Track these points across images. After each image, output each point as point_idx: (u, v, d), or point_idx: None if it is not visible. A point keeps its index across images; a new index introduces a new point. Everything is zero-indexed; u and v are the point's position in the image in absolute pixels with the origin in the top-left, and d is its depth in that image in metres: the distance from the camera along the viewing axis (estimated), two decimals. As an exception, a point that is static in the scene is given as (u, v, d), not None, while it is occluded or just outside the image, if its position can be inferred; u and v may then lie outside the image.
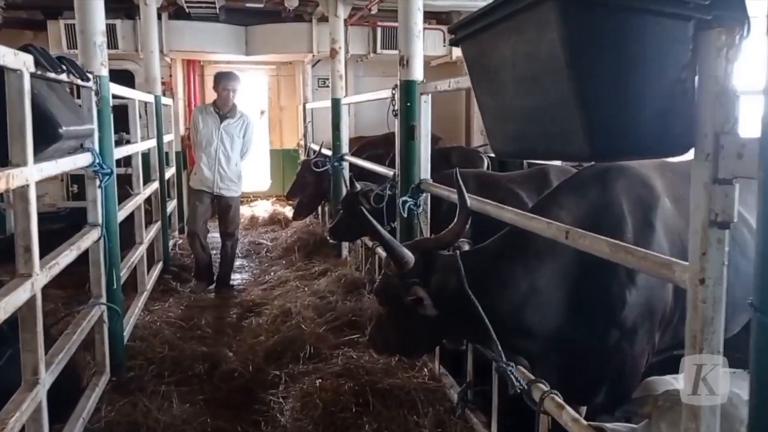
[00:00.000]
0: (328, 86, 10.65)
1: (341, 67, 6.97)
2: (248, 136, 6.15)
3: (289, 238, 8.15)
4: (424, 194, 3.95)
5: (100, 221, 3.61)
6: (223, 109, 6.01)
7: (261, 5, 7.53)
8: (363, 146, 8.05)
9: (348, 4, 6.93)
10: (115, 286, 3.88)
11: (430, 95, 3.89)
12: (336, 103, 6.94)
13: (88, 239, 3.42)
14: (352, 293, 5.36)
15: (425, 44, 9.15)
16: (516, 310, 2.70)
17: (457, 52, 9.15)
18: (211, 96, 6.80)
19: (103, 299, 3.66)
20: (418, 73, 4.07)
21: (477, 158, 7.57)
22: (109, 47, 8.44)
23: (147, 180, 6.48)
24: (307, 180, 7.16)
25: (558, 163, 5.43)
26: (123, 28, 8.39)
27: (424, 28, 9.03)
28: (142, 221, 5.43)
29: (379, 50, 8.85)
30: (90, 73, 3.60)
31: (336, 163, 6.82)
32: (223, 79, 6.01)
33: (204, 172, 6.01)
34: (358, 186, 4.83)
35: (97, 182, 3.59)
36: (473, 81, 2.12)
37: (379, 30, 8.78)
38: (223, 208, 6.19)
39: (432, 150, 8.07)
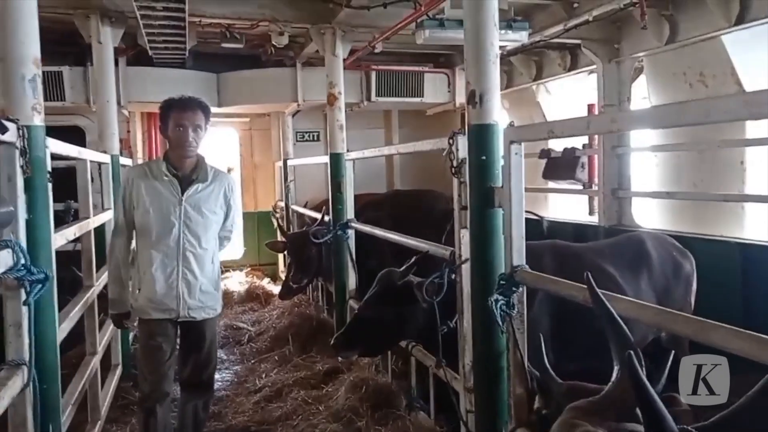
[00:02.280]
0: (307, 140, 9.51)
1: (341, 116, 5.76)
2: (235, 202, 3.69)
3: (276, 322, 6.75)
4: (520, 288, 2.69)
5: (26, 357, 2.23)
6: (185, 166, 3.47)
7: (240, 45, 6.33)
8: (363, 207, 6.79)
9: (348, 42, 5.78)
10: (52, 450, 2.47)
11: (522, 145, 2.66)
12: (337, 159, 5.71)
13: (5, 394, 2.03)
14: (382, 410, 4.01)
15: (425, 90, 8.12)
16: None
17: (461, 98, 8.05)
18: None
19: (32, 486, 2.25)
20: (496, 113, 2.87)
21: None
22: (54, 99, 7.16)
23: (102, 262, 5.08)
24: (311, 257, 5.84)
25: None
26: (71, 77, 7.06)
27: (425, 72, 8.02)
28: (95, 325, 4.01)
29: (373, 98, 7.69)
30: (12, 121, 2.28)
31: (340, 232, 5.54)
32: (178, 108, 3.42)
33: (157, 285, 3.38)
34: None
35: (23, 295, 2.23)
36: None
37: (373, 75, 7.64)
38: (194, 341, 3.56)
39: (437, 212, 6.90)
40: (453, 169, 3.15)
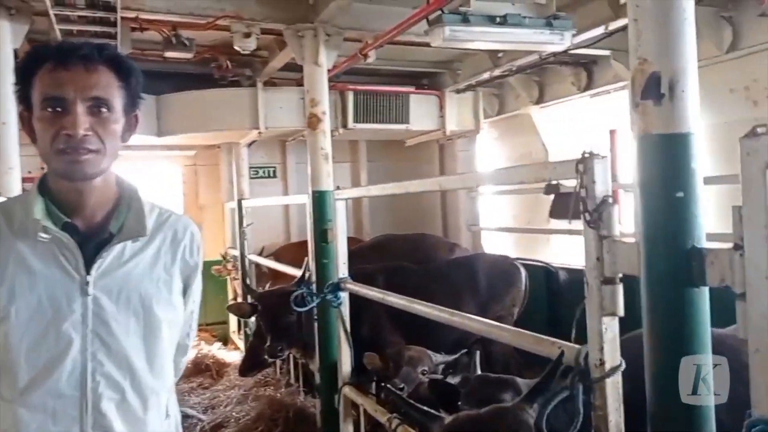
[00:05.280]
0: (262, 176, 8.14)
1: (327, 142, 4.40)
2: (197, 281, 1.68)
3: (236, 409, 5.20)
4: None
5: None
6: (88, 205, 1.48)
7: (188, 56, 4.92)
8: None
9: (333, 49, 4.47)
10: None
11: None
12: (321, 199, 4.33)
13: None
14: None
15: (411, 115, 6.88)
16: None
17: (451, 125, 6.85)
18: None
19: None
20: (695, 114, 1.61)
21: (513, 271, 5.26)
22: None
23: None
24: (290, 324, 4.45)
25: None
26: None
27: (411, 93, 6.79)
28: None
29: (350, 124, 6.37)
30: None
31: (329, 296, 4.14)
32: (53, 62, 1.39)
33: None
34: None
35: None
36: None
37: (350, 96, 6.32)
38: None
39: (445, 262, 5.60)
40: (587, 215, 1.85)
